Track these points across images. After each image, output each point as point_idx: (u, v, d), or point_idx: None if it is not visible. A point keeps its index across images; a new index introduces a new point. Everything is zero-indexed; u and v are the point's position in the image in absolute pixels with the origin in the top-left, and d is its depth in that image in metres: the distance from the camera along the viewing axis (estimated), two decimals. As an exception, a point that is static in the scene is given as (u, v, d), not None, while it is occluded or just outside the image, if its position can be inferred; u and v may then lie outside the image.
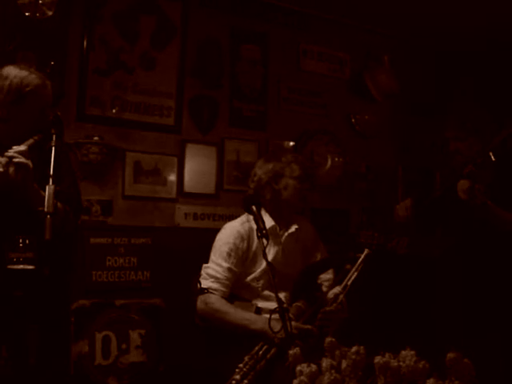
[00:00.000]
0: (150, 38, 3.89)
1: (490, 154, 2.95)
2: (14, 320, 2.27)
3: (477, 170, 3.00)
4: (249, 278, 2.89)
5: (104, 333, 3.53)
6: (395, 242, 3.32)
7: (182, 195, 3.94)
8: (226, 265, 2.83)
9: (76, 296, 3.41)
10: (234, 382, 2.40)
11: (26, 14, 3.31)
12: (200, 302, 2.79)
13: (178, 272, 3.58)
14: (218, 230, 3.04)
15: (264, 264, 2.77)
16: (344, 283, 2.82)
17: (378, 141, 4.79)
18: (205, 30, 4.09)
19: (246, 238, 2.90)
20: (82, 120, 3.62)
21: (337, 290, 2.82)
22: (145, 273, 3.74)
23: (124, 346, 3.58)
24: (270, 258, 2.85)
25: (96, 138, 3.57)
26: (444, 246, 3.45)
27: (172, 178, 3.90)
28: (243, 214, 2.97)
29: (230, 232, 2.92)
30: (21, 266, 2.16)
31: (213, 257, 2.89)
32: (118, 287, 3.66)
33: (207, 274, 2.83)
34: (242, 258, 2.88)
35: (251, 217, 2.66)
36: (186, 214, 3.92)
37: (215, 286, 2.79)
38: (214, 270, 2.83)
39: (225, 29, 4.19)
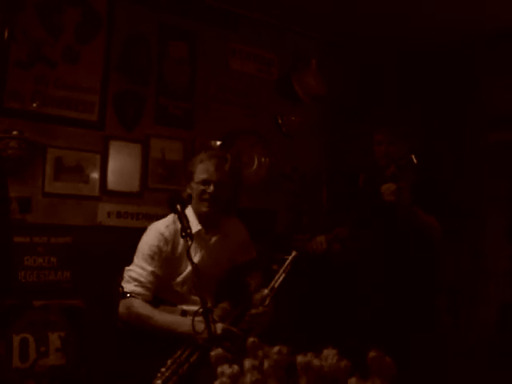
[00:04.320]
0: (74, 30, 3.78)
1: (412, 156, 3.02)
2: None
3: (399, 171, 3.07)
4: (173, 282, 2.83)
5: (22, 335, 3.41)
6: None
7: (105, 193, 3.85)
8: (149, 268, 2.76)
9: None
10: (155, 385, 2.36)
11: None
12: (122, 306, 2.71)
13: (100, 272, 3.51)
14: (142, 229, 2.98)
15: (189, 268, 2.72)
16: (271, 285, 2.80)
17: (304, 142, 4.84)
18: (132, 24, 4.02)
19: (170, 240, 2.83)
20: (0, 114, 3.48)
21: (264, 292, 2.79)
22: (65, 273, 3.63)
23: (43, 349, 3.46)
24: (195, 261, 2.80)
25: (15, 133, 3.44)
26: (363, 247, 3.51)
27: (95, 175, 3.80)
28: (168, 212, 2.92)
29: (154, 234, 2.84)
30: None
31: (136, 259, 2.81)
32: (36, 288, 3.53)
33: (130, 276, 2.76)
34: (166, 261, 2.81)
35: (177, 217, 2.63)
36: (108, 213, 3.83)
37: (138, 289, 2.72)
38: (137, 273, 2.75)
39: (153, 25, 4.12)
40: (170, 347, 2.52)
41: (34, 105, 3.59)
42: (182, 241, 2.69)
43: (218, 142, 4.35)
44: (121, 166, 3.91)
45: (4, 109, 3.48)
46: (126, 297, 2.70)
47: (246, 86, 4.56)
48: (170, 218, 2.90)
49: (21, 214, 3.49)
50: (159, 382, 2.37)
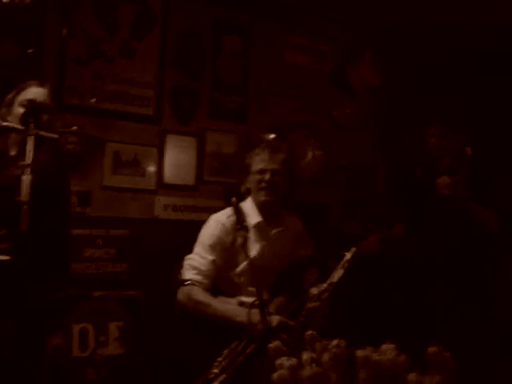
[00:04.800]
0: (129, 27, 3.84)
1: (467, 149, 2.97)
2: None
3: (454, 164, 3.03)
4: (232, 273, 2.85)
5: (81, 325, 3.49)
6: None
7: (162, 186, 3.91)
8: (209, 257, 2.78)
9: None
10: (212, 375, 2.38)
11: (4, 0, 3.26)
12: (181, 293, 2.74)
13: (157, 264, 3.57)
14: (197, 222, 3.01)
15: (250, 258, 2.73)
16: (329, 281, 2.78)
17: (358, 134, 4.79)
18: (186, 20, 4.05)
19: (230, 231, 2.83)
20: (60, 110, 3.53)
21: (322, 287, 2.77)
22: (123, 264, 3.72)
23: (102, 338, 3.54)
24: (254, 253, 2.81)
25: (74, 128, 3.53)
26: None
27: (151, 168, 3.87)
28: (224, 205, 2.94)
29: (215, 225, 2.86)
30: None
31: (197, 248, 2.84)
32: (95, 279, 3.63)
33: (190, 265, 2.79)
34: (226, 251, 2.82)
35: (242, 208, 2.65)
36: (165, 206, 3.89)
37: (198, 277, 2.74)
38: (198, 261, 2.78)
39: (206, 19, 4.15)
40: (227, 337, 2.54)
41: (93, 100, 3.67)
42: (242, 232, 2.71)
43: (272, 135, 4.35)
44: (176, 160, 3.96)
45: (64, 105, 3.57)
46: (185, 284, 2.73)
47: (299, 79, 4.54)
48: (231, 209, 2.91)
49: (80, 207, 3.59)
50: (216, 371, 2.39)
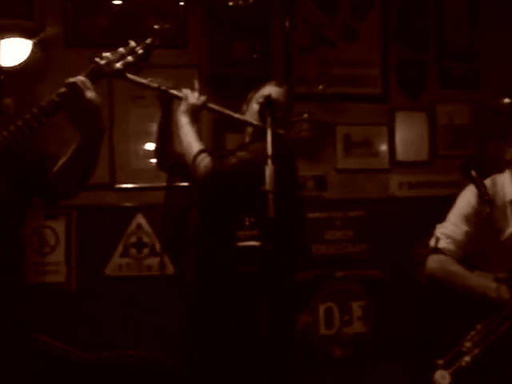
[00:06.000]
0: (349, 8, 3.86)
1: None
2: (245, 294, 2.41)
3: None
4: (485, 247, 2.72)
5: (326, 304, 3.63)
6: None
7: (395, 164, 3.90)
8: (464, 228, 2.67)
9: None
10: (464, 348, 2.31)
11: (230, 3, 3.50)
12: (433, 261, 2.65)
13: (395, 243, 3.56)
14: (434, 198, 2.95)
15: (507, 234, 2.59)
16: None
17: None
18: (406, -9, 3.96)
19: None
20: (291, 99, 3.74)
21: None
22: (362, 245, 3.77)
23: (346, 317, 3.65)
24: (510, 229, 2.67)
25: (305, 116, 3.66)
26: None
27: (383, 147, 3.88)
28: (462, 179, 2.82)
29: (472, 194, 2.74)
30: (248, 243, 2.29)
31: (451, 217, 2.73)
32: (336, 259, 3.74)
33: (443, 233, 2.69)
34: (481, 223, 2.70)
35: (497, 181, 2.55)
36: (400, 184, 3.87)
37: (451, 247, 2.64)
38: (451, 230, 2.68)
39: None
40: (473, 312, 2.45)
41: (320, 87, 3.77)
42: (499, 205, 2.58)
43: (508, 100, 4.07)
44: (408, 136, 3.92)
45: (293, 94, 3.71)
46: (436, 252, 2.67)
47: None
48: (489, 181, 2.77)
49: (317, 192, 3.71)
50: (469, 344, 2.31)
